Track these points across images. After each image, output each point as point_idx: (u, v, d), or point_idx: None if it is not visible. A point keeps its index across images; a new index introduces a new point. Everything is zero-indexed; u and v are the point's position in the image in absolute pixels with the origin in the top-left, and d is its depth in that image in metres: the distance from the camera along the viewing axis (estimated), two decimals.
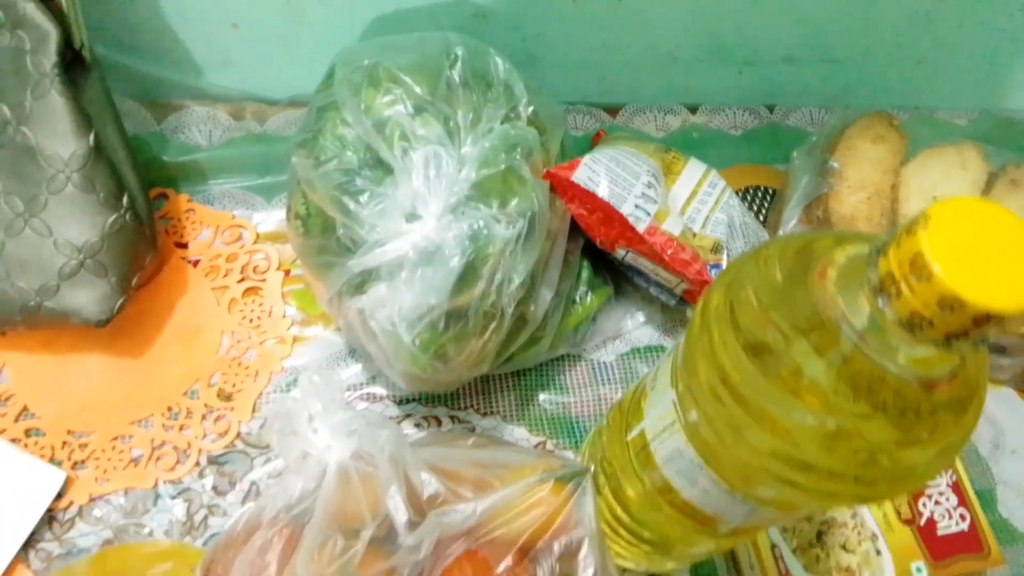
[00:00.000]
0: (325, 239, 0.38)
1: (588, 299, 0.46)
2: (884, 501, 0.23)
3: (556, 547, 0.34)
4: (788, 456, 0.22)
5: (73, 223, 0.39)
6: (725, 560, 0.44)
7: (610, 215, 0.42)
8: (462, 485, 0.35)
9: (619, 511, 0.36)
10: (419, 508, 0.34)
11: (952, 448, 0.22)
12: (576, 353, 0.49)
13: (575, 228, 0.45)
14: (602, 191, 0.42)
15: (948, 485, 0.44)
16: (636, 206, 0.43)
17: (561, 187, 0.42)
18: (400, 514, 0.33)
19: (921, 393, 0.20)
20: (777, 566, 0.41)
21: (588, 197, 0.42)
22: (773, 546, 0.41)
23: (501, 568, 0.32)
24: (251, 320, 0.47)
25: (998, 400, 0.51)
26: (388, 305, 0.34)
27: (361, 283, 0.36)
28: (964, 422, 0.21)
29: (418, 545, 0.32)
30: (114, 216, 0.40)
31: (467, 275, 0.34)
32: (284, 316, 0.48)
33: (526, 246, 0.35)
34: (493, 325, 0.35)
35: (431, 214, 0.35)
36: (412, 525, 0.33)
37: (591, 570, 0.33)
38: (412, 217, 0.35)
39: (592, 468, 0.35)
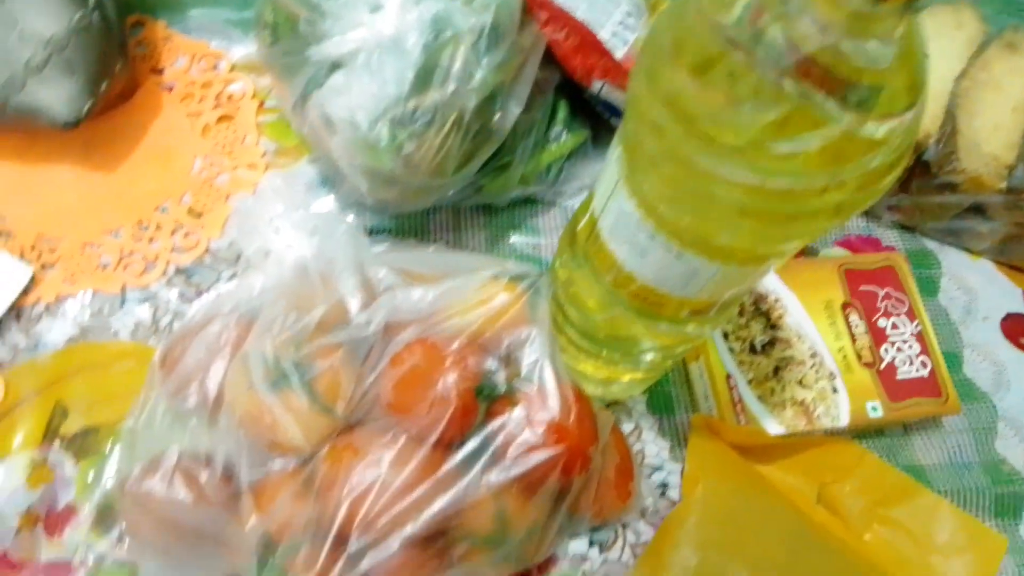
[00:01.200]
0: (291, 41, 0.38)
1: (563, 138, 0.46)
2: (846, 216, 0.23)
3: (506, 339, 0.34)
4: (737, 175, 0.21)
5: (39, 15, 0.39)
6: (680, 388, 0.44)
7: (587, 39, 0.41)
8: (418, 283, 0.35)
9: (575, 318, 0.36)
10: (373, 299, 0.35)
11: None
12: (550, 199, 0.49)
13: (551, 61, 0.44)
14: (580, 12, 0.41)
15: (912, 335, 0.44)
16: (614, 33, 0.42)
17: (536, 4, 0.41)
18: (352, 296, 0.33)
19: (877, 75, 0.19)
20: (731, 395, 0.41)
21: (564, 18, 0.41)
22: (728, 376, 0.41)
23: (450, 352, 0.33)
24: (224, 146, 0.47)
25: (975, 270, 0.51)
26: (346, 93, 0.34)
27: (323, 79, 0.36)
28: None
29: (368, 322, 0.33)
30: (81, 12, 0.39)
31: (427, 65, 0.34)
32: (257, 145, 0.47)
33: (490, 44, 0.35)
34: (453, 117, 0.34)
35: (394, 3, 0.34)
36: (364, 307, 0.34)
37: (535, 357, 0.33)
38: (375, 8, 0.35)
39: (544, 272, 0.35)
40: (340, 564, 0.30)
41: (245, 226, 0.37)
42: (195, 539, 0.31)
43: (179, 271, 0.43)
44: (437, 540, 0.32)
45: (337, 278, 0.34)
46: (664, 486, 0.41)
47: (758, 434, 0.39)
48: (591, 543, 0.39)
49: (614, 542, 0.40)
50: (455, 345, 0.33)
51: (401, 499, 0.31)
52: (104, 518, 0.37)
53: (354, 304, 0.33)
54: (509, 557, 0.34)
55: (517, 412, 0.33)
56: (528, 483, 0.32)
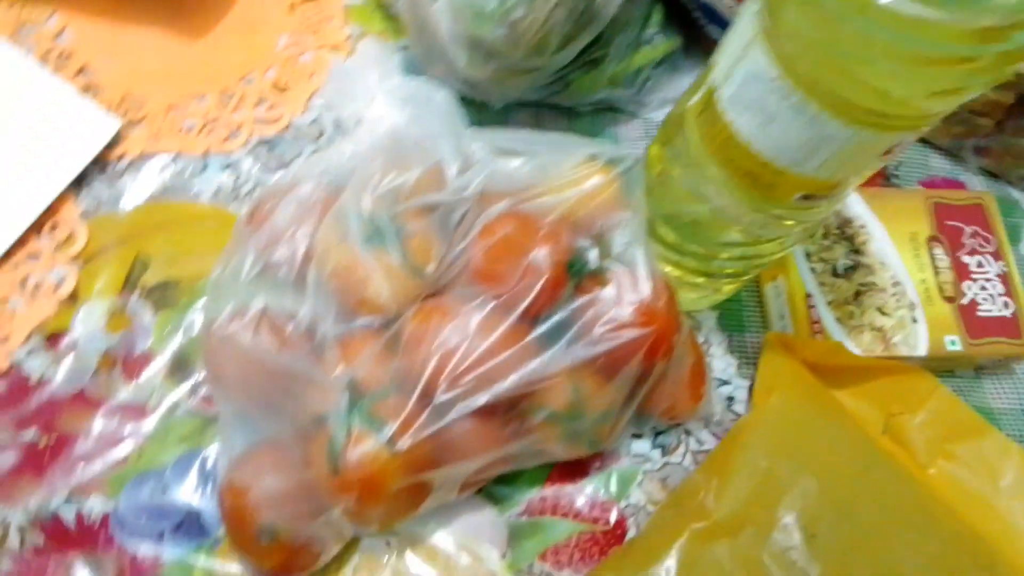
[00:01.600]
0: None
1: (655, 42, 0.44)
2: (989, 76, 0.22)
3: (599, 220, 0.33)
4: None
5: None
6: (751, 309, 0.43)
7: None
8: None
9: (663, 213, 0.36)
10: (469, 167, 0.34)
11: None
12: (632, 109, 0.48)
13: None
14: None
15: (997, 275, 0.43)
16: None
17: None
18: (451, 161, 0.33)
19: None
20: (809, 315, 0.40)
21: None
22: (808, 295, 0.41)
23: (544, 224, 0.32)
24: (309, 25, 0.46)
25: None
26: None
27: None
28: None
29: (465, 187, 0.32)
30: None
31: None
32: (342, 28, 0.47)
33: None
34: None
35: None
36: (462, 173, 0.33)
37: (629, 239, 0.33)
38: None
39: (641, 159, 0.35)
40: (426, 413, 0.30)
41: (338, 92, 0.36)
42: (280, 381, 0.31)
43: (262, 142, 0.43)
44: (509, 411, 0.32)
45: (433, 144, 0.34)
46: (730, 399, 0.41)
47: (836, 349, 0.39)
48: (654, 445, 0.39)
49: (676, 447, 0.39)
50: (549, 219, 0.33)
51: (486, 361, 0.31)
52: (179, 368, 0.37)
53: (452, 169, 0.33)
54: (580, 437, 0.34)
55: (608, 290, 0.32)
56: (610, 362, 0.32)
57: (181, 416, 0.37)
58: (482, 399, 0.30)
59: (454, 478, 0.32)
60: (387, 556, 0.35)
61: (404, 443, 0.29)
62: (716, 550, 0.33)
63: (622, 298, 0.32)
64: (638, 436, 0.39)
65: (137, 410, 0.36)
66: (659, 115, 0.48)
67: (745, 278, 0.42)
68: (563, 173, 0.34)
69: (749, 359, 0.42)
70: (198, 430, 0.36)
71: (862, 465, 0.37)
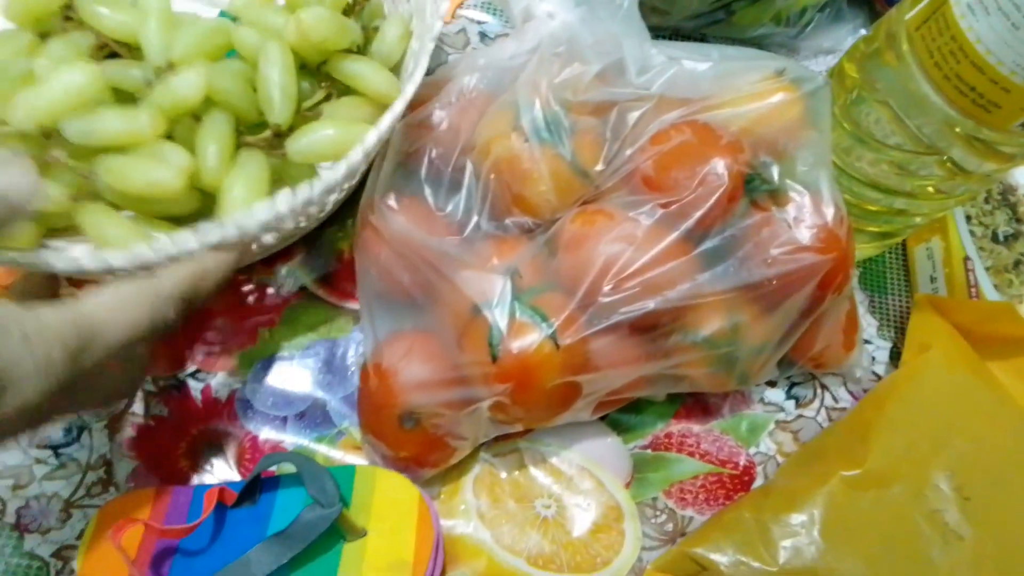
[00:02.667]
0: None
1: None
2: None
3: (782, 139, 0.32)
4: None
5: None
6: (896, 271, 0.41)
7: None
8: None
9: (842, 147, 0.34)
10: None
11: None
12: (787, 52, 0.45)
13: None
14: None
15: None
16: None
17: None
18: (633, 58, 0.31)
19: None
20: (967, 278, 0.38)
21: None
22: (966, 258, 0.38)
23: (725, 134, 0.31)
24: None
25: None
26: None
27: None
28: None
29: (648, 85, 0.31)
30: None
31: None
32: None
33: None
34: None
35: None
36: (643, 72, 0.31)
37: (813, 161, 0.31)
38: None
39: (829, 82, 0.33)
40: (588, 314, 0.28)
41: None
42: (432, 267, 0.30)
43: None
44: (661, 329, 0.30)
45: (614, 42, 0.32)
46: (871, 360, 0.39)
47: (1003, 311, 0.36)
48: (788, 395, 0.37)
49: (811, 400, 0.37)
50: (728, 134, 0.31)
51: (652, 269, 0.29)
52: (315, 254, 0.37)
53: (634, 66, 0.31)
54: (731, 367, 0.32)
55: (788, 210, 0.30)
56: (778, 289, 0.30)
57: (312, 302, 0.36)
58: (649, 305, 0.28)
59: (602, 388, 0.30)
60: (507, 471, 0.34)
61: (566, 339, 0.28)
62: (864, 500, 0.31)
63: (801, 220, 0.30)
64: (771, 384, 0.37)
65: (270, 293, 0.36)
66: (813, 62, 0.46)
67: (891, 240, 0.39)
68: (746, 86, 0.32)
69: (890, 322, 0.40)
70: (327, 319, 0.35)
71: (1016, 436, 0.35)
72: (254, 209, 0.27)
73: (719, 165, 0.30)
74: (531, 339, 0.28)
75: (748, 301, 0.31)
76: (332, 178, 0.28)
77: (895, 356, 0.39)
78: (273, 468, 0.31)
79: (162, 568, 0.28)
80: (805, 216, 0.30)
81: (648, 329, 0.30)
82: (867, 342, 0.39)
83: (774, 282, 0.30)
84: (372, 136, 0.29)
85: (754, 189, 0.30)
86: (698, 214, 0.30)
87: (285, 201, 0.27)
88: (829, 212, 0.30)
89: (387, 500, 0.29)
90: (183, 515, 0.30)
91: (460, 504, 0.33)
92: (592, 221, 0.30)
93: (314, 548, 0.27)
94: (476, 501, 0.33)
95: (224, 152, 0.31)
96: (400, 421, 0.29)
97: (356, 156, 0.29)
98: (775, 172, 0.31)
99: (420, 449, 0.30)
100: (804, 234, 0.30)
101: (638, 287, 0.29)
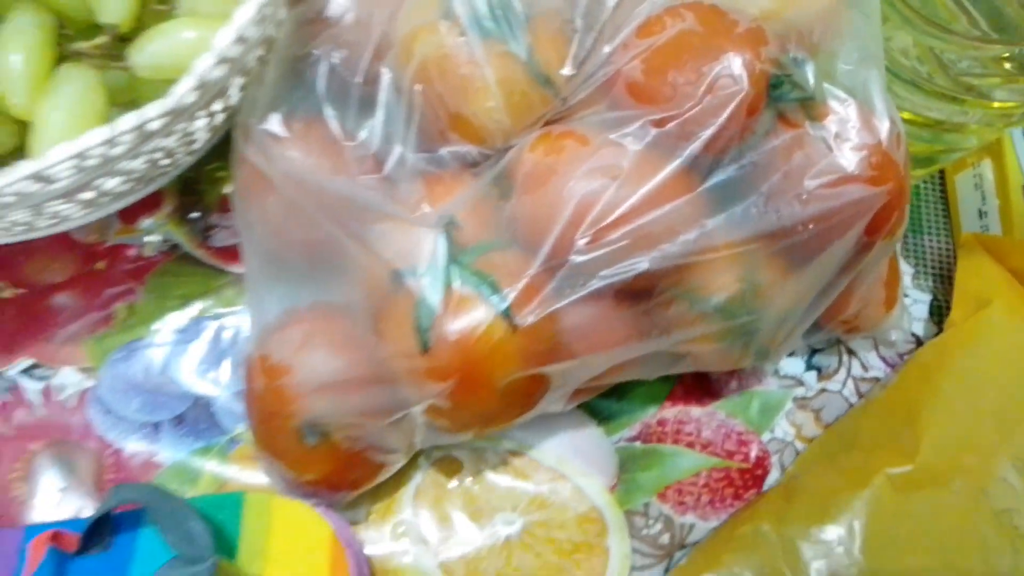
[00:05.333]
0: None
1: None
2: None
3: (818, 27, 0.23)
4: None
5: None
6: (934, 205, 0.34)
7: None
8: None
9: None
10: None
11: None
12: None
13: None
14: None
15: None
16: None
17: None
18: None
19: None
20: None
21: None
22: None
23: (743, 19, 0.22)
24: None
25: None
26: None
27: None
28: None
29: None
30: None
31: None
32: None
33: None
34: None
35: None
36: None
37: (859, 58, 0.22)
38: None
39: None
40: (557, 278, 0.20)
41: None
42: (338, 219, 0.21)
43: None
44: (647, 299, 0.22)
45: None
46: (908, 317, 0.32)
47: None
48: (808, 366, 0.30)
49: (836, 371, 0.30)
50: (749, 13, 0.22)
51: (644, 213, 0.21)
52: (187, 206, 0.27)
53: None
54: (744, 343, 0.24)
55: (827, 126, 0.22)
56: (814, 237, 0.22)
57: (187, 266, 0.27)
58: (641, 264, 0.20)
59: (575, 378, 0.23)
60: (458, 479, 0.26)
61: (527, 317, 0.20)
62: (917, 504, 0.25)
63: (846, 139, 0.22)
64: (789, 353, 0.30)
65: (130, 255, 0.27)
66: None
67: (931, 167, 0.32)
68: None
69: (928, 268, 0.33)
70: (208, 288, 0.27)
71: None
72: (57, 148, 0.18)
73: (734, 64, 0.21)
74: (476, 318, 0.19)
75: (774, 254, 0.23)
76: (174, 99, 0.19)
77: (935, 311, 0.32)
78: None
79: None
80: (851, 133, 0.22)
81: (640, 297, 0.22)
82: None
83: (810, 226, 0.22)
84: (228, 33, 0.20)
85: (782, 96, 0.22)
86: (706, 134, 0.21)
87: (99, 135, 0.18)
88: (883, 127, 0.22)
89: (288, 540, 0.22)
90: (11, 567, 0.22)
91: (396, 526, 0.25)
92: (559, 148, 0.22)
93: None
94: (417, 521, 0.26)
95: (35, 66, 0.22)
96: (299, 436, 0.21)
97: (205, 63, 0.19)
98: (810, 73, 0.22)
99: (332, 469, 0.22)
100: (850, 158, 0.22)
101: (625, 239, 0.20)
